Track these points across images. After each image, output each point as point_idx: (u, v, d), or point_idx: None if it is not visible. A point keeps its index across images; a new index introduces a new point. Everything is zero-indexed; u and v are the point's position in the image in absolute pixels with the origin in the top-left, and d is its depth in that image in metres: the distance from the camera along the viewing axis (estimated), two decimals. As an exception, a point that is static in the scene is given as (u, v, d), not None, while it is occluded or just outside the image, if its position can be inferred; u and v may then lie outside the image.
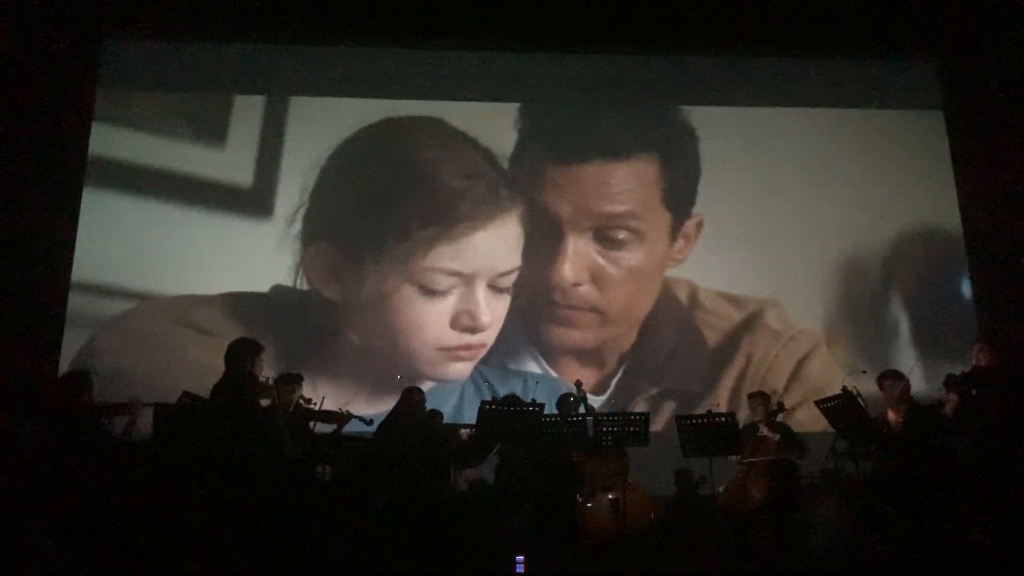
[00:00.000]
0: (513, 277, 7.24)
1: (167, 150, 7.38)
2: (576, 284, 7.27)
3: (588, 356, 7.23)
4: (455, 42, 7.80)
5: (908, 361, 6.77)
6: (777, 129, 7.82)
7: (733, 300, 7.40)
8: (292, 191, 7.38)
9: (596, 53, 7.94)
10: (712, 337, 7.30)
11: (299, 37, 7.69)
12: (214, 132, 7.49)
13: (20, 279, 6.67)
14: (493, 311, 7.13)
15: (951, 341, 7.15)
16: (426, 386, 6.86)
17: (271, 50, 7.77)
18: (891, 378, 5.33)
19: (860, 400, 5.09)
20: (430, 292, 7.10)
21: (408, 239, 7.19)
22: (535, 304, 7.25)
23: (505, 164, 7.50)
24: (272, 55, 7.76)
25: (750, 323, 7.32)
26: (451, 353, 7.05)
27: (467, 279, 7.14)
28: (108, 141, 7.35)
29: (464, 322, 7.07)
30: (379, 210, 7.34)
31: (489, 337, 7.11)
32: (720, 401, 6.93)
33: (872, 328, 7.42)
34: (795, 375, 7.13)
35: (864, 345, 7.33)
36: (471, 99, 7.79)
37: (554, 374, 7.12)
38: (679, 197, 7.55)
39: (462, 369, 7.06)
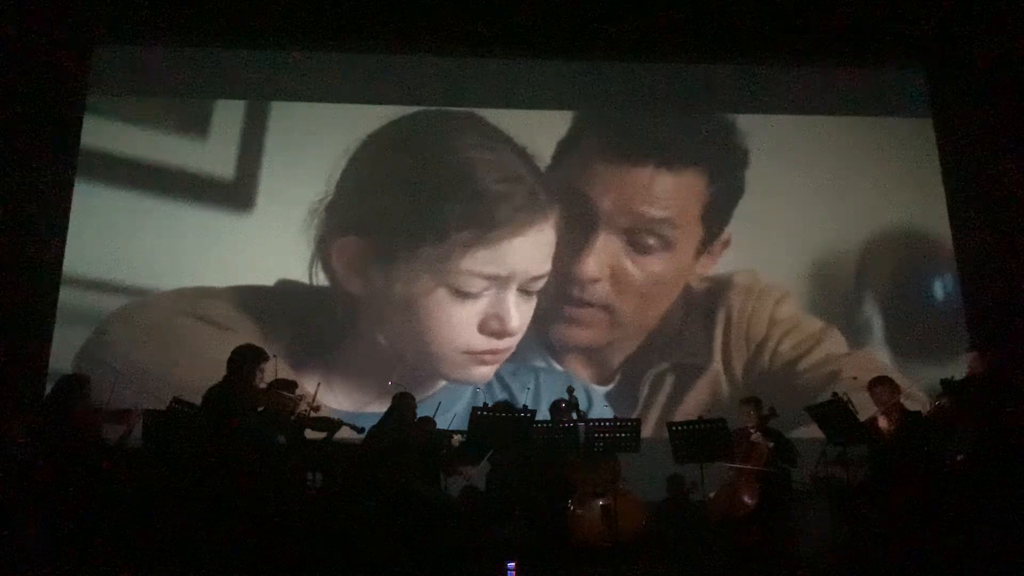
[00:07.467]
0: (543, 282, 7.18)
1: (153, 144, 7.27)
2: (595, 280, 7.26)
3: (594, 352, 7.21)
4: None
5: (898, 364, 6.87)
6: (771, 135, 7.82)
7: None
8: (274, 185, 7.26)
9: (585, 60, 7.94)
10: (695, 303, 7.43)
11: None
12: (197, 126, 7.37)
13: (10, 274, 6.65)
14: (521, 315, 7.09)
15: (939, 344, 7.25)
16: (438, 385, 6.94)
17: (272, 55, 7.69)
18: (881, 384, 5.29)
19: (851, 407, 5.08)
20: (462, 295, 7.05)
21: (445, 241, 7.12)
22: (551, 301, 7.20)
23: (542, 165, 7.43)
24: (276, 60, 7.68)
25: (724, 286, 7.43)
26: (477, 357, 7.01)
27: (501, 283, 7.08)
28: (97, 136, 7.27)
29: (493, 327, 7.02)
30: (412, 208, 7.25)
31: (515, 341, 7.07)
32: (715, 357, 7.24)
33: (862, 331, 7.44)
34: (772, 319, 7.39)
35: (853, 348, 7.37)
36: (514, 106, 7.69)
37: (560, 368, 7.09)
38: (716, 214, 7.58)
39: (485, 372, 7.01)
